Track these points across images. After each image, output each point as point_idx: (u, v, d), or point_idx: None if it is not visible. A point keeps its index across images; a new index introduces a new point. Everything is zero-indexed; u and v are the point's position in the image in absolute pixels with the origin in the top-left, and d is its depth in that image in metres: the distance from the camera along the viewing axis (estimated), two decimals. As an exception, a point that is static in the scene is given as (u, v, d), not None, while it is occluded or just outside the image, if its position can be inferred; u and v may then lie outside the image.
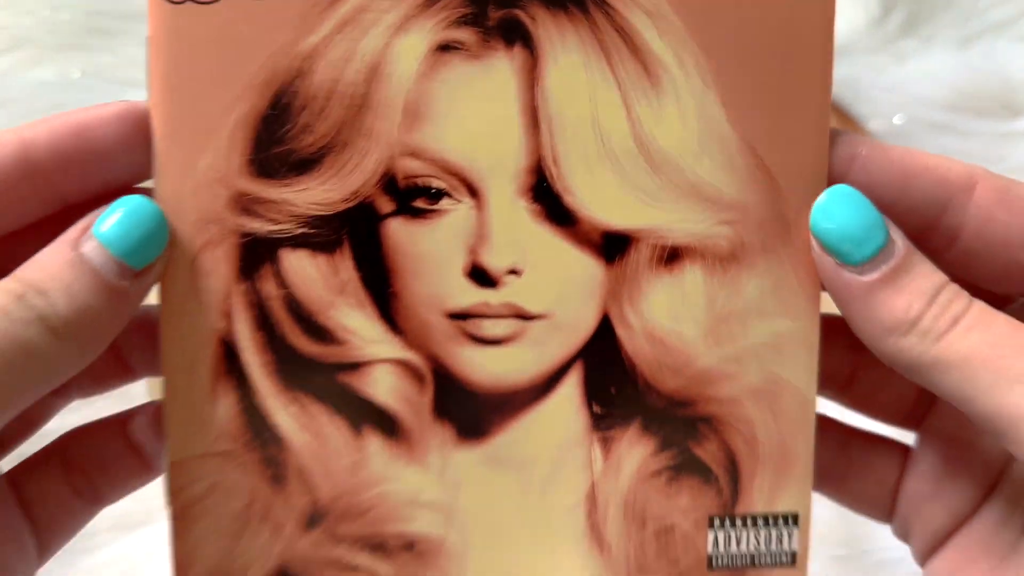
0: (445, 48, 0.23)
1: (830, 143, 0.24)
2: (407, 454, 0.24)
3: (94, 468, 0.26)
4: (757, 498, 0.25)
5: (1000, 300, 0.25)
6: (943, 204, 0.24)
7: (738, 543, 0.25)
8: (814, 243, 0.23)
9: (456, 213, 0.23)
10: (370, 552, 0.25)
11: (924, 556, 0.27)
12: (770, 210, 0.24)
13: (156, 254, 0.22)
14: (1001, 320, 0.22)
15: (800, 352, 0.24)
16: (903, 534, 0.28)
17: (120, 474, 0.26)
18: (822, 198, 0.23)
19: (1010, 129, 0.50)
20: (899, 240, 0.22)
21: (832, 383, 0.28)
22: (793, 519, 0.25)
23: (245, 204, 0.23)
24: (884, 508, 0.29)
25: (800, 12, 0.23)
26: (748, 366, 0.25)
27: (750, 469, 0.25)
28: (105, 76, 0.50)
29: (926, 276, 0.22)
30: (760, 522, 0.25)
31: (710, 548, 0.25)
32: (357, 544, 0.24)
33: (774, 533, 0.25)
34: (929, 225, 0.24)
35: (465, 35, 0.23)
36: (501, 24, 0.23)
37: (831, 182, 0.24)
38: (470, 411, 0.24)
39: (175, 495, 0.24)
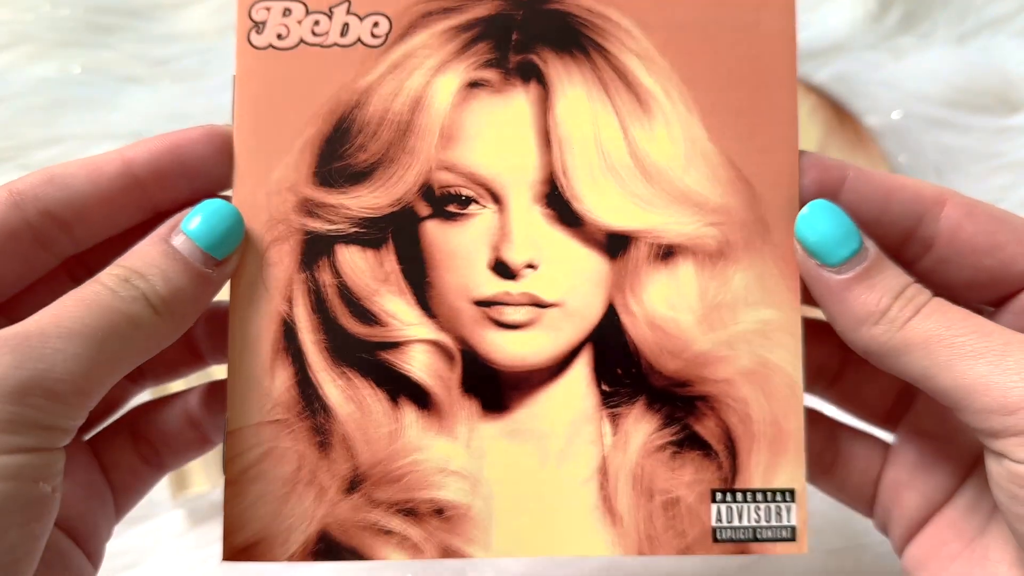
0: (474, 85, 0.28)
1: (824, 166, 0.28)
2: (438, 425, 0.28)
3: (159, 439, 0.30)
4: (755, 473, 0.28)
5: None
6: (918, 216, 0.27)
7: (740, 516, 0.28)
8: (797, 247, 0.27)
9: (482, 216, 0.28)
10: (403, 517, 0.27)
11: (901, 543, 0.30)
12: (751, 213, 0.28)
13: (234, 247, 0.27)
14: (956, 308, 0.25)
15: (785, 338, 0.28)
16: (882, 525, 0.31)
17: (180, 445, 0.30)
18: (805, 210, 0.27)
19: (1008, 124, 0.50)
20: (871, 247, 0.26)
21: (820, 380, 0.31)
22: (790, 495, 0.28)
23: (309, 208, 0.28)
24: (866, 498, 0.31)
25: (765, 49, 0.28)
26: (739, 350, 0.28)
27: (747, 445, 0.28)
28: (105, 72, 0.50)
29: (894, 276, 0.26)
30: (759, 496, 0.28)
31: (714, 520, 0.28)
32: (392, 509, 0.27)
33: (773, 508, 0.28)
34: (907, 235, 0.27)
35: (490, 75, 0.28)
36: (519, 66, 0.28)
37: (825, 197, 0.27)
38: (493, 387, 0.28)
39: (232, 461, 0.27)
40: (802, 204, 0.27)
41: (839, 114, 0.50)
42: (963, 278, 0.28)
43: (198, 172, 0.27)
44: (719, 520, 0.28)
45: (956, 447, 0.29)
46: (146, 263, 0.25)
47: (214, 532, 0.28)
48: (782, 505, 0.28)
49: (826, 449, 0.31)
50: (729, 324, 0.28)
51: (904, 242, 0.28)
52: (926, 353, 0.24)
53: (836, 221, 0.26)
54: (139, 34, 0.51)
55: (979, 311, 0.26)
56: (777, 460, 0.28)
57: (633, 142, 0.28)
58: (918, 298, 0.25)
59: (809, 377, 0.30)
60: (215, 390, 0.30)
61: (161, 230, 0.26)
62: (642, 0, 0.28)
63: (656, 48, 0.28)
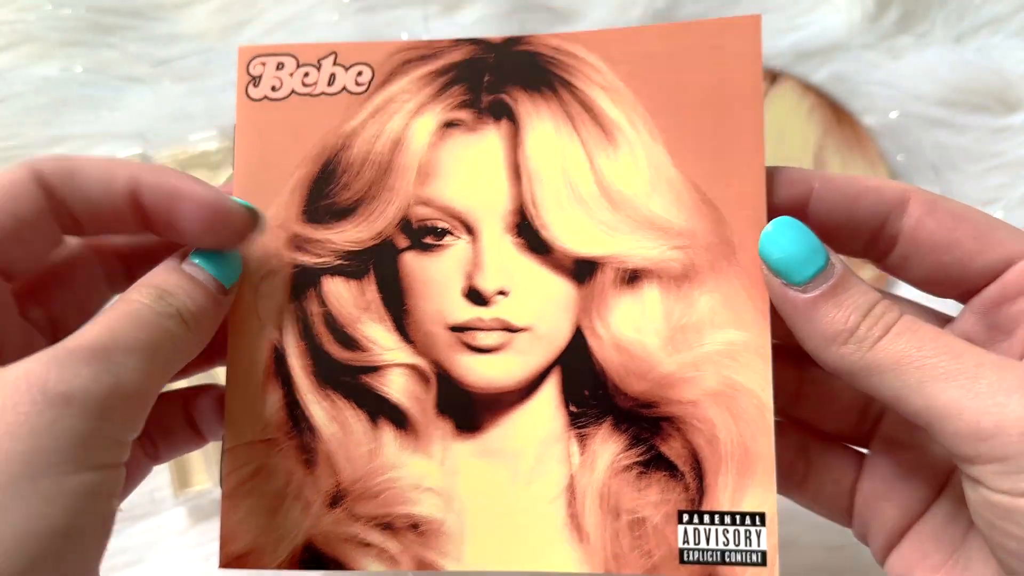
0: (450, 125, 0.29)
1: (790, 180, 0.28)
2: (414, 444, 0.29)
3: (157, 432, 0.30)
4: (722, 495, 0.28)
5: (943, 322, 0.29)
6: (884, 216, 0.27)
7: (707, 539, 0.27)
8: (763, 266, 0.26)
9: (456, 247, 0.29)
10: (381, 531, 0.29)
11: (882, 555, 0.29)
12: (716, 236, 0.28)
13: (237, 277, 0.29)
14: (926, 327, 0.24)
15: (753, 359, 0.27)
16: (862, 535, 0.30)
17: (176, 440, 0.31)
18: (768, 228, 0.26)
19: (1005, 124, 0.50)
20: (837, 263, 0.25)
21: (778, 400, 0.30)
22: (760, 518, 0.27)
23: (298, 243, 0.29)
24: (843, 509, 0.30)
25: (731, 72, 0.28)
26: (706, 371, 0.28)
27: (714, 466, 0.28)
28: (107, 72, 0.50)
29: (862, 293, 0.25)
30: (728, 519, 0.27)
31: (681, 542, 0.28)
32: (371, 523, 0.29)
33: (742, 532, 0.27)
34: (873, 235, 0.27)
35: (464, 115, 0.29)
36: (491, 106, 0.29)
37: (793, 213, 0.27)
38: (466, 408, 0.29)
39: (228, 476, 0.29)
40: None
41: (837, 114, 0.50)
42: (924, 275, 0.28)
43: (188, 231, 0.27)
44: (686, 542, 0.28)
45: (931, 457, 0.28)
46: (172, 284, 0.26)
47: (215, 530, 0.29)
48: (751, 529, 0.27)
49: (797, 461, 0.31)
50: (695, 346, 0.28)
51: (872, 241, 0.28)
52: (897, 374, 0.24)
53: (800, 238, 0.26)
54: (141, 34, 0.51)
55: (942, 326, 0.27)
56: (745, 483, 0.27)
57: (599, 171, 0.28)
58: (887, 316, 0.25)
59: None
60: (209, 395, 0.31)
61: (174, 258, 0.28)
62: (606, 35, 0.29)
63: (621, 80, 0.29)
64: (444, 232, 0.29)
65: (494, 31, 0.50)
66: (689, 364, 0.28)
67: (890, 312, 0.25)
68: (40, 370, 0.22)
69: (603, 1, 0.51)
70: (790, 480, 0.31)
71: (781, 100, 0.50)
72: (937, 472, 0.28)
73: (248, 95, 0.29)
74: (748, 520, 0.27)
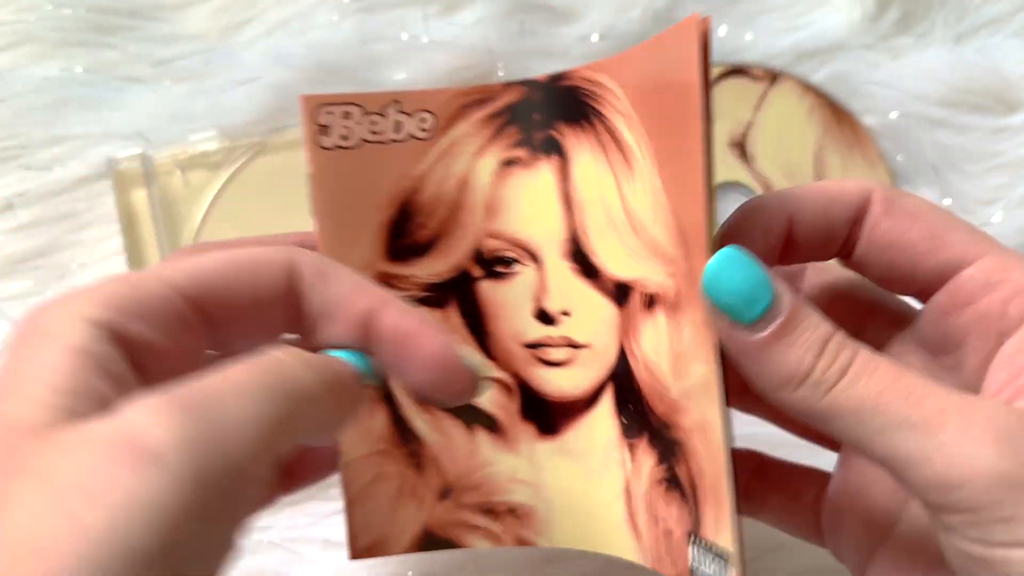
0: (508, 163, 0.32)
1: (767, 215, 0.26)
2: (504, 444, 0.33)
3: (296, 463, 0.31)
4: (709, 526, 0.27)
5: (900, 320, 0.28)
6: (853, 219, 0.26)
7: (706, 564, 0.28)
8: (706, 305, 0.24)
9: (524, 274, 0.32)
10: (485, 515, 0.33)
11: (860, 572, 0.28)
12: (687, 263, 0.27)
13: (373, 375, 0.27)
14: (884, 366, 0.23)
15: (713, 395, 0.26)
16: (836, 552, 0.29)
17: (313, 471, 0.32)
18: (712, 262, 0.24)
19: (1005, 124, 0.50)
20: (785, 296, 0.23)
21: (735, 396, 0.29)
22: (727, 556, 0.26)
23: (386, 280, 0.32)
24: (809, 525, 0.30)
25: (680, 95, 0.25)
26: (692, 402, 0.28)
27: (702, 497, 0.28)
28: (107, 72, 0.50)
29: (814, 328, 0.23)
30: (713, 550, 0.27)
31: (691, 560, 0.28)
32: (476, 509, 0.33)
33: (719, 566, 0.27)
34: (847, 239, 0.27)
35: (521, 153, 0.32)
36: (542, 142, 0.31)
37: (776, 238, 0.26)
38: (545, 414, 0.32)
39: (348, 486, 0.32)
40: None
41: (837, 114, 0.50)
42: (880, 274, 0.27)
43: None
44: (695, 562, 0.28)
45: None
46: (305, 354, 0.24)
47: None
48: (724, 566, 0.27)
49: (752, 480, 0.30)
50: (684, 376, 0.28)
51: (844, 244, 0.27)
52: (856, 421, 0.22)
53: (746, 273, 0.23)
54: (141, 34, 0.51)
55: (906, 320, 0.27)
56: (720, 518, 0.27)
57: (624, 198, 0.30)
58: (842, 356, 0.23)
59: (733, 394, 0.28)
60: None
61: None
62: (619, 61, 0.29)
63: (632, 104, 0.29)
64: (513, 261, 0.32)
65: (494, 31, 0.50)
66: (683, 393, 0.28)
67: (845, 350, 0.23)
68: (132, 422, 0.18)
69: (603, 1, 0.51)
70: (751, 500, 0.30)
71: (781, 100, 0.50)
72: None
73: (320, 145, 0.31)
74: (721, 557, 0.27)
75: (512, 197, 0.32)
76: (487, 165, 0.32)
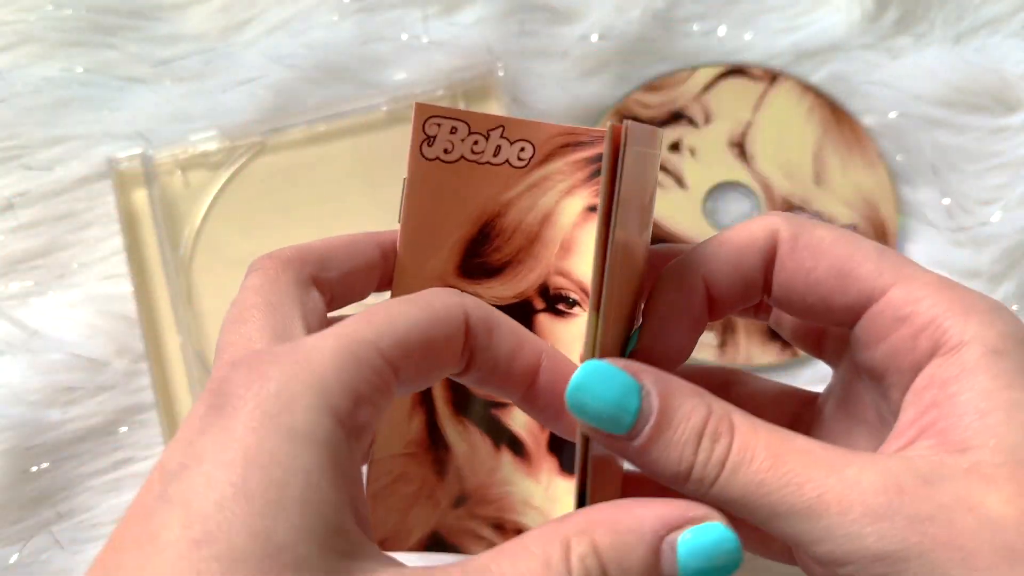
0: (592, 209, 0.32)
1: (676, 282, 0.27)
2: (526, 469, 0.33)
3: None
4: None
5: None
6: (759, 267, 0.26)
7: None
8: (580, 423, 0.24)
9: (582, 318, 0.32)
10: (493, 529, 0.34)
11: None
12: None
13: None
14: (761, 450, 0.22)
15: None
16: (807, 571, 0.28)
17: None
18: (577, 378, 0.23)
19: (1004, 124, 0.50)
20: (653, 393, 0.23)
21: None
22: None
23: None
24: (783, 550, 0.29)
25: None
26: None
27: None
28: (107, 72, 0.50)
29: (687, 421, 0.23)
30: None
31: None
32: (486, 522, 0.34)
33: None
34: (753, 286, 0.26)
35: None
36: None
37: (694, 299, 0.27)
38: (570, 453, 0.32)
39: (372, 482, 0.33)
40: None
41: (836, 114, 0.50)
42: (800, 312, 0.26)
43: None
44: None
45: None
46: (622, 570, 0.21)
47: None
48: None
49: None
50: None
51: (750, 293, 0.27)
52: (746, 510, 0.22)
53: (611, 382, 0.23)
54: (141, 34, 0.51)
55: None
56: None
57: None
58: (718, 448, 0.22)
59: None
60: None
61: (661, 530, 0.22)
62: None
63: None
64: (574, 303, 0.32)
65: (494, 31, 0.50)
66: None
67: (721, 440, 0.23)
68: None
69: (603, 1, 0.51)
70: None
71: (780, 100, 0.50)
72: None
73: (422, 153, 0.31)
74: None
75: (588, 242, 0.32)
76: (574, 206, 0.32)
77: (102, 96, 0.50)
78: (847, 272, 0.25)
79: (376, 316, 0.22)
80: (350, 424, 0.21)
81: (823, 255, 0.25)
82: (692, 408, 0.23)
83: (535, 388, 0.26)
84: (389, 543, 0.34)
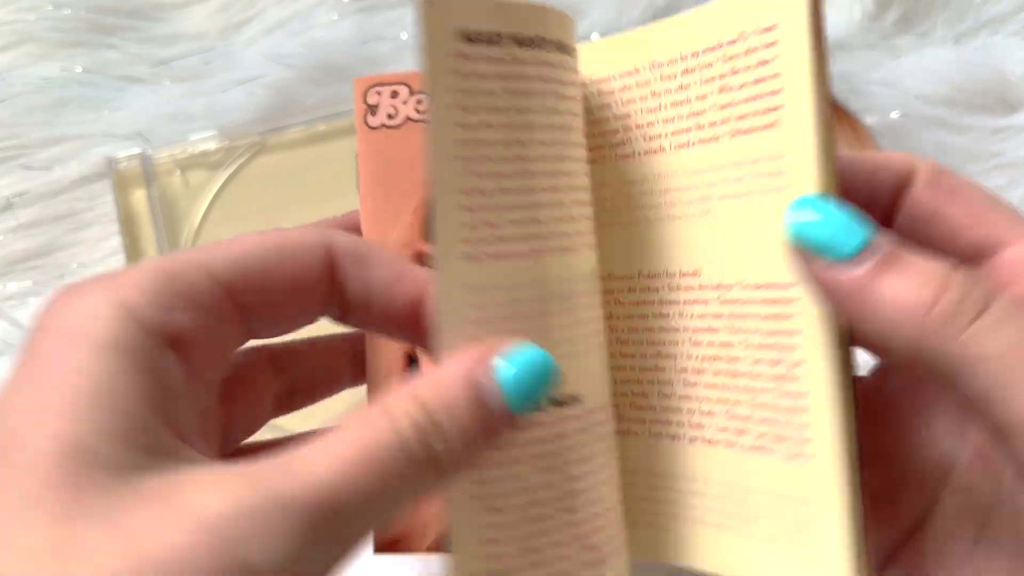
0: None
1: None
2: None
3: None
4: None
5: None
6: (897, 190, 0.25)
7: None
8: (795, 250, 0.22)
9: None
10: None
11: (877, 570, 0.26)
12: None
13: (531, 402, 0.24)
14: None
15: None
16: None
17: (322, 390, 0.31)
18: (798, 200, 0.22)
19: (1006, 124, 0.50)
20: (884, 234, 0.21)
21: None
22: None
23: (423, 260, 0.31)
24: None
25: None
26: None
27: None
28: (107, 72, 0.50)
29: (925, 260, 0.20)
30: None
31: None
32: None
33: None
34: (886, 210, 0.25)
35: None
36: None
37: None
38: None
39: None
40: None
41: (838, 113, 0.50)
42: (915, 246, 0.23)
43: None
44: None
45: (922, 463, 0.25)
46: (449, 412, 0.20)
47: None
48: None
49: None
50: None
51: (883, 217, 0.25)
52: (1000, 368, 0.18)
53: (836, 206, 0.21)
54: (141, 34, 0.51)
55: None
56: None
57: None
58: (974, 292, 0.19)
59: None
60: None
61: (473, 367, 0.21)
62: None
63: None
64: None
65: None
66: None
67: (975, 287, 0.19)
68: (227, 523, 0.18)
69: (603, 1, 0.51)
70: None
71: (781, 100, 0.50)
72: (928, 482, 0.25)
73: (367, 123, 0.31)
74: None
75: None
76: None
77: (101, 96, 0.49)
78: (981, 214, 0.24)
79: (215, 246, 0.23)
80: (160, 333, 0.21)
81: (961, 195, 0.25)
82: (931, 258, 0.21)
83: (423, 325, 0.23)
84: (403, 545, 0.33)
